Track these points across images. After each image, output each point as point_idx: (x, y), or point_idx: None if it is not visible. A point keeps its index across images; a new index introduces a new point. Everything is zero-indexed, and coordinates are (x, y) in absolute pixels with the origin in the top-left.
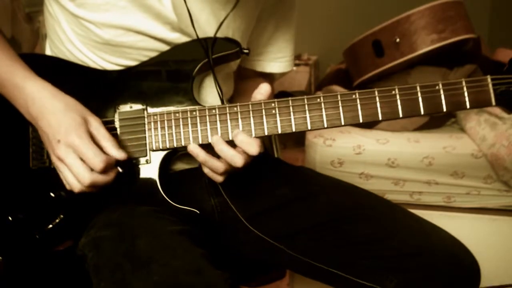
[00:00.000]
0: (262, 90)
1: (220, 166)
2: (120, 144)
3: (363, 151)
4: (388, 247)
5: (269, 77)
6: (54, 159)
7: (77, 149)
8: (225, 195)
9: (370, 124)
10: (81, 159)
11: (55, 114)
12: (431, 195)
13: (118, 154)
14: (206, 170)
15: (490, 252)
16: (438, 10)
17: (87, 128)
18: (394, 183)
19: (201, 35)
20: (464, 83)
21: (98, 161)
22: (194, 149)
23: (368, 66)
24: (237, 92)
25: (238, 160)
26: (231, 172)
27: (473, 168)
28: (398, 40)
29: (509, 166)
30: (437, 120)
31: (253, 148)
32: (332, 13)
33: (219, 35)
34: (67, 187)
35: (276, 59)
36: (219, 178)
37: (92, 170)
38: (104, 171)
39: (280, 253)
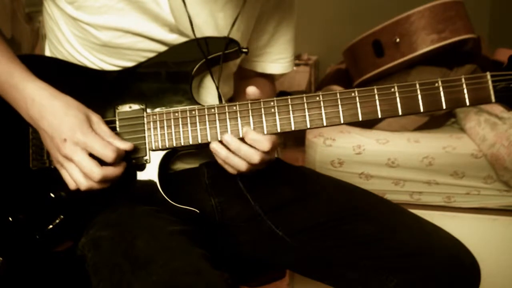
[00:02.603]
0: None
1: (241, 163)
2: None
3: (363, 151)
4: (388, 247)
5: (269, 78)
6: (60, 159)
7: (85, 146)
8: (227, 195)
9: (370, 124)
10: (89, 156)
11: (55, 114)
12: (431, 195)
13: (123, 145)
14: (228, 168)
15: (490, 252)
16: (438, 10)
17: (90, 125)
18: (394, 183)
19: (199, 36)
20: (463, 80)
21: (108, 152)
22: (216, 146)
23: (368, 66)
24: (238, 91)
25: (255, 157)
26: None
27: (473, 168)
28: (398, 40)
29: (509, 166)
30: (437, 120)
31: (264, 145)
32: (332, 13)
33: (218, 36)
34: (72, 186)
35: (277, 60)
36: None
37: (101, 164)
38: (114, 162)
39: (280, 253)
